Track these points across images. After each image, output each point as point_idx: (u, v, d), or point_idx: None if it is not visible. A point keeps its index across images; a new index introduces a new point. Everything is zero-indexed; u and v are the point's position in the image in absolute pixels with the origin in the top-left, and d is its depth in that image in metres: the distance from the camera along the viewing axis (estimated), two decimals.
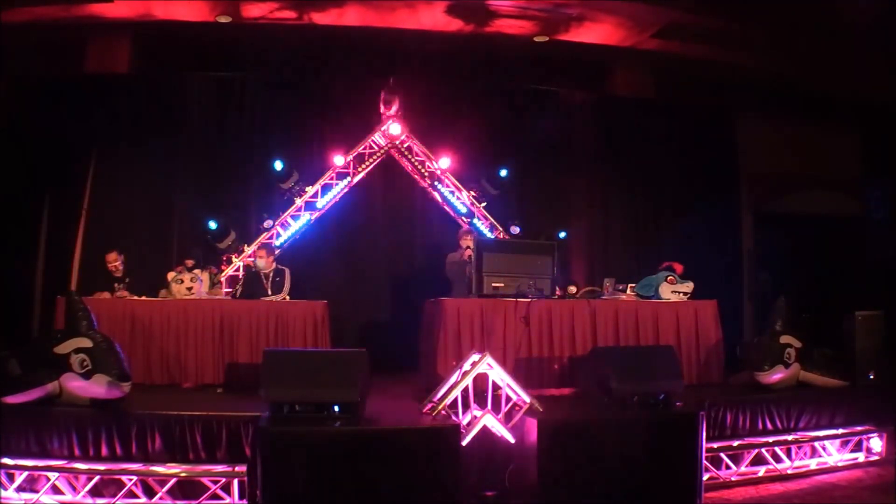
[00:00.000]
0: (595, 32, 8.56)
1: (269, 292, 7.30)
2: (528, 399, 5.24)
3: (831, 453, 6.06)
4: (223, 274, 8.12)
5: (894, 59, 8.14)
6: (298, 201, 8.51)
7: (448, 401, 5.14)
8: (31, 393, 4.99)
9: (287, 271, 7.47)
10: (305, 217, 8.52)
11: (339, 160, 8.65)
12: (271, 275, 7.42)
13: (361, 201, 9.11)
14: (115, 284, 7.28)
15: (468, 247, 7.35)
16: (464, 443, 4.84)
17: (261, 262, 7.42)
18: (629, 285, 7.54)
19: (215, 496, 4.80)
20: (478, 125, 9.17)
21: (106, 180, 8.79)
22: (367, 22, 8.66)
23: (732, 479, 5.63)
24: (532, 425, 4.89)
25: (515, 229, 8.66)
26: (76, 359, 5.08)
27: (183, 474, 4.80)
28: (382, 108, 8.57)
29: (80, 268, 8.52)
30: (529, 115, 9.56)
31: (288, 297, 7.32)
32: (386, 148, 8.78)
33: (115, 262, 7.37)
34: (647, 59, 9.29)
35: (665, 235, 9.64)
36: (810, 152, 9.96)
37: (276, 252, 7.83)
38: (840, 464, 6.06)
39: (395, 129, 8.56)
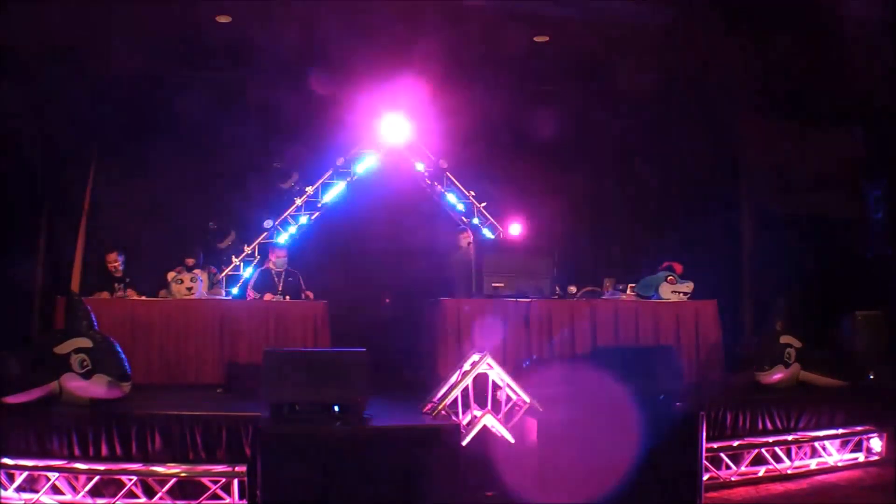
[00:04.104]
0: (595, 32, 8.55)
1: (280, 290, 7.32)
2: (528, 399, 5.24)
3: (831, 453, 6.06)
4: (223, 273, 8.13)
5: (894, 59, 8.13)
6: (298, 201, 8.52)
7: (448, 401, 5.14)
8: (32, 393, 4.99)
9: (299, 273, 7.52)
10: (305, 217, 8.54)
11: (339, 160, 8.67)
12: (283, 274, 7.45)
13: (361, 201, 9.11)
14: (115, 284, 7.29)
15: (469, 242, 7.45)
16: (464, 443, 4.84)
17: (280, 262, 7.46)
18: (629, 285, 7.54)
19: (215, 496, 4.80)
20: (478, 124, 9.16)
21: (106, 180, 8.78)
22: (367, 22, 8.65)
23: (732, 479, 5.63)
24: (532, 425, 4.90)
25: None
26: (76, 359, 5.09)
27: (183, 474, 4.80)
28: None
29: (80, 268, 8.52)
30: (529, 115, 9.55)
31: (289, 297, 7.33)
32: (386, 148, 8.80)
33: (114, 262, 7.37)
34: (647, 59, 9.28)
35: (665, 235, 9.64)
36: (810, 152, 9.95)
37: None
38: (840, 464, 6.07)
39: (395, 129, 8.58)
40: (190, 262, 7.50)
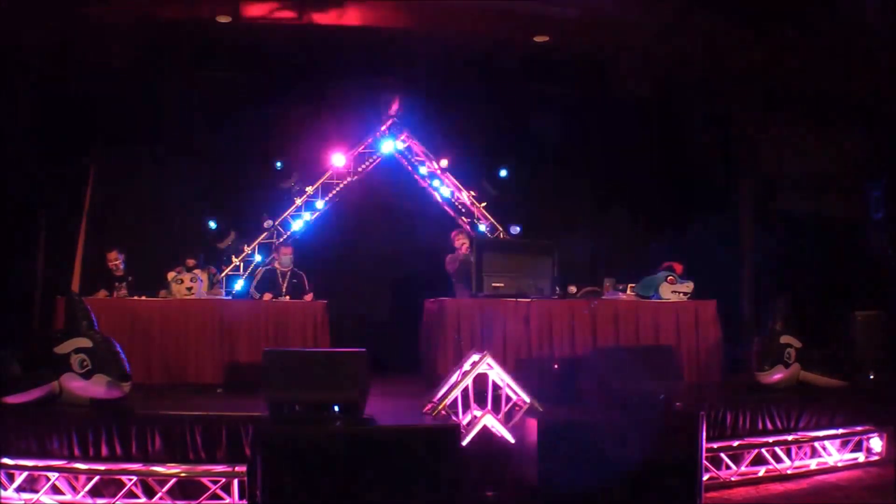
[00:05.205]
0: (594, 32, 8.55)
1: (284, 290, 7.32)
2: (528, 399, 5.24)
3: (831, 453, 6.06)
4: (223, 273, 8.13)
5: (894, 59, 8.13)
6: (298, 201, 8.52)
7: (448, 401, 5.14)
8: (32, 393, 5.00)
9: (303, 275, 7.52)
10: (305, 217, 8.55)
11: (339, 160, 8.67)
12: (288, 275, 7.44)
13: (361, 201, 9.11)
14: (115, 284, 7.29)
15: (464, 243, 7.45)
16: (464, 443, 4.84)
17: (286, 259, 7.46)
18: (629, 285, 7.53)
19: (215, 496, 4.80)
20: (478, 125, 9.16)
21: (106, 180, 8.79)
22: (367, 22, 8.65)
23: (732, 479, 5.63)
24: (532, 425, 4.89)
25: (516, 229, 8.70)
26: (76, 359, 5.09)
27: (183, 474, 4.80)
28: (383, 108, 8.60)
29: (80, 268, 8.52)
30: (529, 115, 9.56)
31: (289, 298, 7.33)
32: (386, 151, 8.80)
33: (115, 260, 7.37)
34: (648, 59, 9.29)
35: (665, 235, 9.64)
36: (811, 152, 9.95)
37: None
38: (840, 464, 6.06)
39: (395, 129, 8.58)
40: (190, 262, 7.50)
